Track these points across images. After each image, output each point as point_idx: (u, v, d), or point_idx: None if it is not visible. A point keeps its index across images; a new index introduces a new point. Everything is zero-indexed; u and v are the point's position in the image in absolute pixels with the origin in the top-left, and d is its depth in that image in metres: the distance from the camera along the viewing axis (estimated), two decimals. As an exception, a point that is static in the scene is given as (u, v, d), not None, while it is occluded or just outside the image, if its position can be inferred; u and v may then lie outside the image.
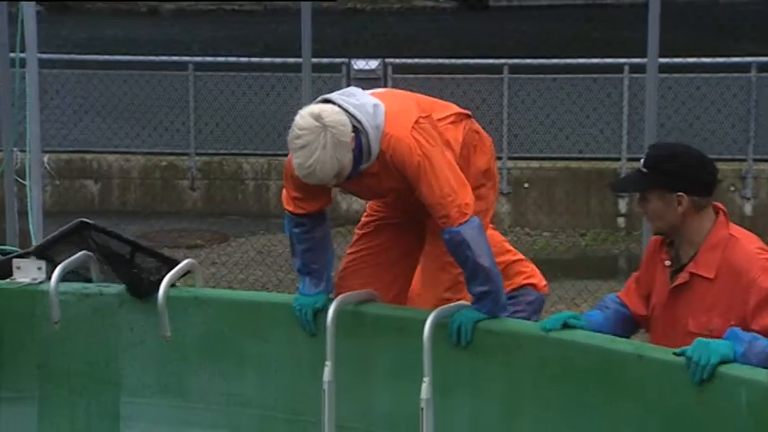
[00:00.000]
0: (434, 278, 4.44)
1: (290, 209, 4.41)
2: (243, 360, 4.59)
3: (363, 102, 4.20)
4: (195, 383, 4.63)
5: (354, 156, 4.12)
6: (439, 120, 4.36)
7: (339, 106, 4.15)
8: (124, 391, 4.66)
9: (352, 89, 4.37)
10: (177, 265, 4.68)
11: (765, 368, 3.68)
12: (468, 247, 4.17)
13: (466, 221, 4.17)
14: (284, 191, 4.44)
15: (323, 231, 4.48)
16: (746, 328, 3.81)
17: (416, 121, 4.21)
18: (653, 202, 4.04)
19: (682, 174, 4.02)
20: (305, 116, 4.09)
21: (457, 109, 4.52)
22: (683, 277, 4.03)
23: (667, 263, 4.12)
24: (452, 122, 4.43)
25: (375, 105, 4.20)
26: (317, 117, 4.07)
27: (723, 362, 3.69)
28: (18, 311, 4.75)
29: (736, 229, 4.06)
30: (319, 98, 4.27)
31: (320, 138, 4.03)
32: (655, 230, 4.18)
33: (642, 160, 4.11)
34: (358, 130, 4.13)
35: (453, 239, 4.18)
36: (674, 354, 3.79)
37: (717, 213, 4.06)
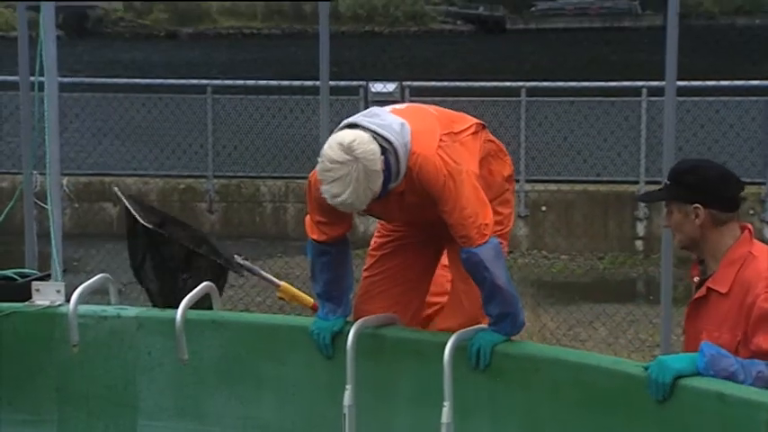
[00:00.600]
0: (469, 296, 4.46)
1: (315, 237, 4.40)
2: (260, 383, 4.58)
3: (389, 121, 4.19)
4: (212, 406, 4.63)
5: (384, 177, 4.10)
6: (459, 132, 4.36)
7: (367, 129, 4.12)
8: (142, 414, 4.65)
9: (375, 109, 4.34)
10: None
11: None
12: (486, 269, 4.18)
13: (484, 243, 4.17)
14: (308, 218, 4.43)
15: (345, 257, 4.49)
16: (746, 345, 3.85)
17: (441, 140, 4.21)
18: (674, 213, 4.08)
19: (700, 186, 4.05)
20: (334, 148, 4.05)
21: (474, 120, 4.51)
22: (700, 291, 4.06)
23: (695, 279, 4.15)
24: (473, 134, 4.42)
25: (401, 124, 4.18)
26: (348, 150, 4.03)
27: (680, 377, 3.79)
28: (37, 334, 4.75)
29: (759, 248, 4.06)
30: (344, 123, 4.23)
31: (353, 171, 4.02)
32: (677, 244, 4.20)
33: (670, 173, 4.19)
34: (387, 150, 4.11)
35: (471, 259, 4.18)
36: (644, 368, 3.90)
37: (741, 231, 4.07)
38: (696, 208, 4.02)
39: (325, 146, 4.09)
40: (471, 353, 4.22)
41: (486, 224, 4.19)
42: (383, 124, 4.15)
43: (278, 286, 5.31)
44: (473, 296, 4.38)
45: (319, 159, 4.08)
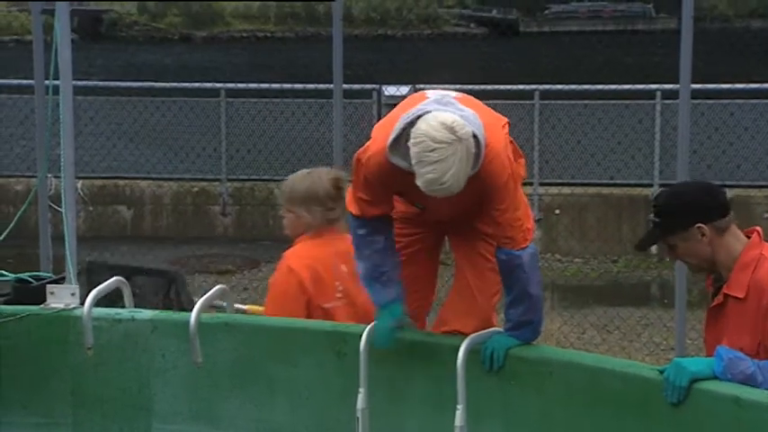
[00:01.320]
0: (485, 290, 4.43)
1: (354, 211, 4.27)
2: (273, 386, 4.58)
3: (467, 111, 4.05)
4: (226, 410, 4.63)
5: None
6: (504, 127, 4.29)
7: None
8: (156, 417, 4.66)
9: (445, 97, 4.13)
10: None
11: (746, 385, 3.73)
12: (524, 271, 4.14)
13: (526, 247, 4.15)
14: (349, 192, 4.31)
15: (388, 231, 4.33)
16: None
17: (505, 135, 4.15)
18: (678, 245, 4.06)
19: (690, 207, 4.03)
20: (438, 128, 3.89)
21: (502, 116, 4.42)
22: (717, 299, 4.05)
23: (710, 289, 4.15)
24: (506, 132, 4.33)
25: (475, 115, 4.06)
26: (452, 129, 3.88)
27: (696, 380, 3.77)
28: (51, 337, 4.76)
29: None
30: (424, 106, 4.04)
31: (457, 151, 3.87)
32: (694, 270, 4.19)
33: (651, 214, 4.14)
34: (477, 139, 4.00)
35: (512, 262, 4.14)
36: (659, 371, 3.88)
37: (749, 236, 4.05)
38: (699, 227, 4.01)
39: (423, 126, 3.91)
40: (485, 356, 4.21)
41: (530, 228, 4.18)
42: (463, 114, 4.02)
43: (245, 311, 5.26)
44: (487, 293, 4.37)
45: (414, 141, 3.91)
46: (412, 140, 3.92)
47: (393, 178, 4.12)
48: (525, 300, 4.18)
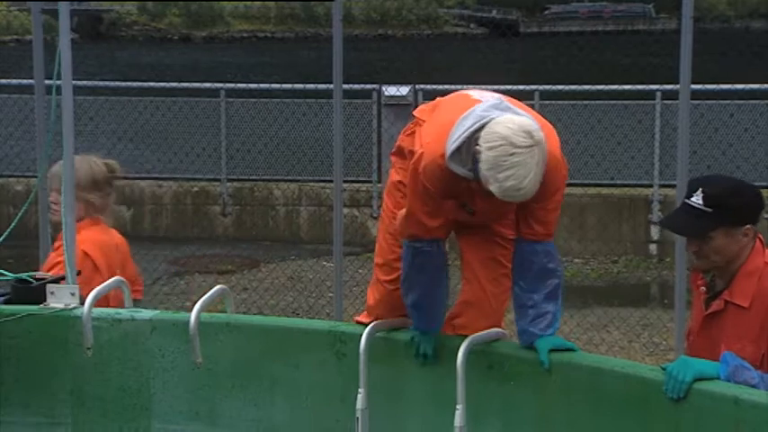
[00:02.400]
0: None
1: (415, 232, 4.15)
2: (273, 386, 4.58)
3: (529, 116, 4.03)
4: (226, 409, 4.63)
5: None
6: None
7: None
8: (156, 416, 4.66)
9: (504, 102, 4.10)
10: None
11: None
12: (559, 264, 4.21)
13: (551, 240, 4.21)
14: (403, 217, 4.17)
15: (443, 263, 4.29)
16: None
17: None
18: (717, 239, 3.98)
19: (750, 207, 4.02)
20: (518, 133, 3.84)
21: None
22: (717, 305, 4.02)
23: (703, 289, 4.12)
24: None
25: (533, 119, 4.03)
26: (530, 135, 3.84)
27: (699, 379, 3.74)
28: (51, 337, 4.76)
29: None
30: (486, 112, 3.98)
31: (535, 155, 3.83)
32: (703, 268, 4.11)
33: (699, 197, 4.03)
34: None
35: (551, 252, 4.17)
36: (661, 368, 3.86)
37: (753, 240, 4.05)
38: (747, 229, 3.98)
39: (501, 131, 3.86)
40: (546, 360, 4.12)
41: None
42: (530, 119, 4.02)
43: None
44: (501, 299, 4.35)
45: (491, 145, 3.85)
46: (488, 145, 3.85)
47: (451, 184, 4.06)
48: (558, 290, 4.18)
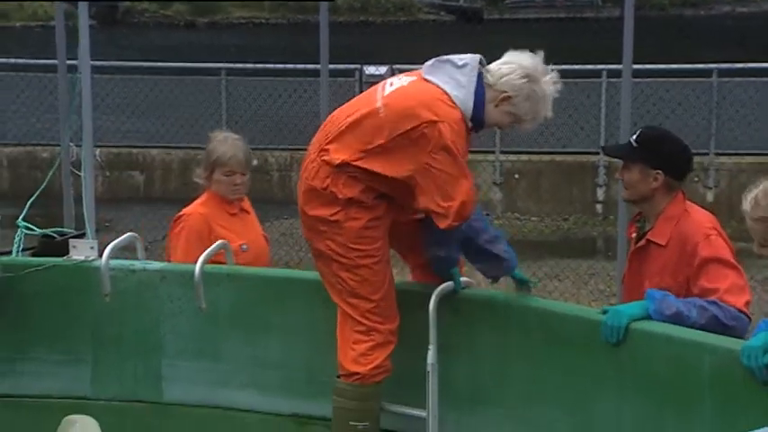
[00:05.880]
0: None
1: (473, 199, 3.97)
2: (268, 328, 4.59)
3: None
4: (227, 348, 4.63)
5: None
6: None
7: None
8: (165, 354, 4.67)
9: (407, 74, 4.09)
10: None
11: (676, 323, 3.71)
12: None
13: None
14: (464, 189, 3.90)
15: None
16: (690, 288, 3.89)
17: None
18: (633, 172, 4.06)
19: (665, 155, 4.05)
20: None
21: None
22: (640, 243, 4.08)
23: (634, 235, 4.17)
24: None
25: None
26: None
27: (634, 320, 3.75)
28: (74, 285, 4.75)
29: (691, 206, 4.09)
30: (443, 64, 3.95)
31: None
32: (626, 196, 4.19)
33: (635, 134, 4.13)
34: None
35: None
36: (603, 310, 3.86)
37: (667, 189, 4.07)
38: (657, 173, 4.02)
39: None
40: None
41: None
42: None
43: None
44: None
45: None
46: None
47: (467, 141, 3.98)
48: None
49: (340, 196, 3.95)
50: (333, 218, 3.97)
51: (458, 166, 3.88)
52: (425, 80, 3.97)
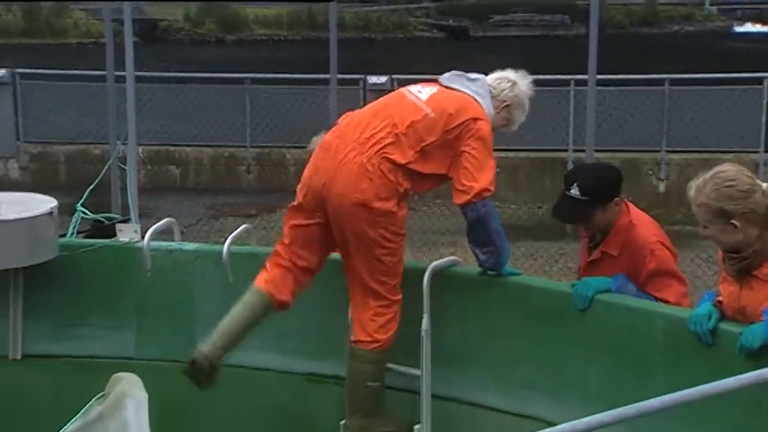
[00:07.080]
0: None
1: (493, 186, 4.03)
2: (287, 299, 4.55)
3: None
4: (251, 317, 4.60)
5: None
6: None
7: None
8: (198, 323, 4.65)
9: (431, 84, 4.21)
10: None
11: None
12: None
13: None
14: (488, 174, 4.02)
15: None
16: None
17: None
18: (597, 217, 3.90)
19: (608, 189, 3.91)
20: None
21: None
22: (595, 254, 4.00)
23: (586, 240, 4.10)
24: None
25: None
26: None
27: (599, 292, 3.74)
28: (120, 263, 4.75)
29: (636, 215, 3.97)
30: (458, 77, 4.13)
31: None
32: (590, 233, 4.02)
33: (574, 189, 3.86)
34: None
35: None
36: (571, 285, 3.84)
37: (621, 204, 3.97)
38: (616, 202, 3.91)
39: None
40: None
41: None
42: None
43: None
44: None
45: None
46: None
47: None
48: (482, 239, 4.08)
49: (400, 189, 3.97)
50: (393, 209, 3.96)
51: (488, 156, 4.02)
52: (449, 88, 4.12)
